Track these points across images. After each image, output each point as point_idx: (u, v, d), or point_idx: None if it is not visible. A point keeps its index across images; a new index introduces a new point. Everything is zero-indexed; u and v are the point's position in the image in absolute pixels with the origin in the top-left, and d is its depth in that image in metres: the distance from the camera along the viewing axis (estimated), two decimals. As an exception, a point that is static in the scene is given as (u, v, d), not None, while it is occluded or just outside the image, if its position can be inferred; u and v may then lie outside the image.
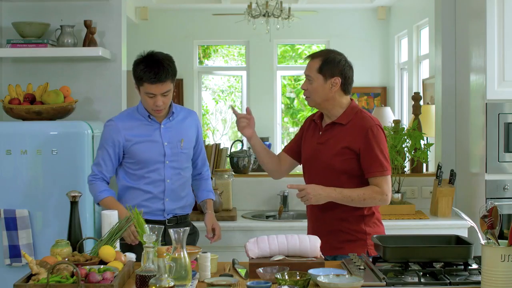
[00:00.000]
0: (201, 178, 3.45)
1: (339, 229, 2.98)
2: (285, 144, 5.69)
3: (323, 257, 2.68)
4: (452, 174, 4.06)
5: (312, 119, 3.17)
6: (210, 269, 2.54)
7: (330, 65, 2.98)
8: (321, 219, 3.02)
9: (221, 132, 10.97)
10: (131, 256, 2.70)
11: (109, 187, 3.26)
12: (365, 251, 2.93)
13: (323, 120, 3.09)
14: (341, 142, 2.97)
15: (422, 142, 4.18)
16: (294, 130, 10.46)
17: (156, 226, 2.54)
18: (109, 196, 3.19)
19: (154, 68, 3.06)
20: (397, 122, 4.31)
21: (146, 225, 2.62)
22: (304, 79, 3.06)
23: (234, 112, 3.15)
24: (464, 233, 3.80)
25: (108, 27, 4.15)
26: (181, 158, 3.26)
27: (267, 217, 4.26)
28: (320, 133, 3.06)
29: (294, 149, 3.21)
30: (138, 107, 3.26)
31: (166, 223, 3.21)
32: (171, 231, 2.36)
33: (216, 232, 3.33)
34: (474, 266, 2.56)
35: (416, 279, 2.44)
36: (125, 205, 3.19)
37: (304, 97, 3.08)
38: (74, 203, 2.75)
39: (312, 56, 3.04)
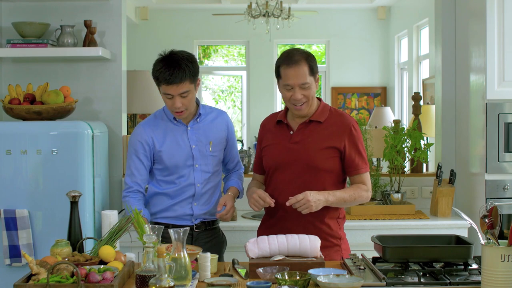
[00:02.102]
0: (231, 172, 3.32)
1: (318, 234, 2.84)
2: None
3: (323, 257, 2.68)
4: (452, 174, 4.06)
5: (274, 120, 3.03)
6: (210, 269, 2.54)
7: (315, 63, 2.88)
8: (299, 224, 2.89)
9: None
10: (131, 256, 2.71)
11: (143, 199, 3.15)
12: (340, 257, 2.92)
13: (291, 120, 2.97)
14: (322, 141, 2.90)
15: (422, 142, 4.18)
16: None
17: (156, 226, 2.54)
18: None
19: (170, 68, 2.95)
20: (397, 122, 4.31)
21: (146, 225, 2.62)
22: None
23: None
24: (464, 233, 3.80)
25: (108, 27, 4.15)
26: (211, 161, 3.13)
27: (267, 217, 4.26)
28: (292, 132, 2.95)
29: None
30: (164, 108, 3.15)
31: (194, 228, 3.12)
32: (171, 231, 2.36)
33: (226, 208, 3.05)
34: (474, 266, 2.57)
35: (416, 279, 2.44)
36: (153, 210, 3.14)
37: (299, 105, 2.87)
38: (74, 203, 2.75)
39: (294, 62, 2.83)
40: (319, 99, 3.01)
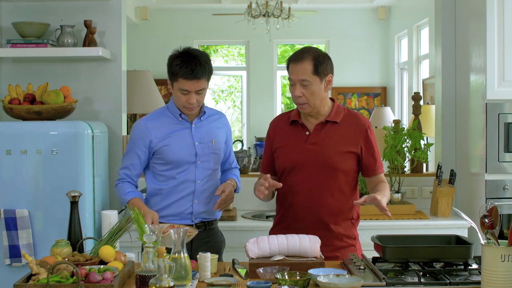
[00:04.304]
0: (226, 171, 3.32)
1: (334, 235, 2.90)
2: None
3: (323, 257, 2.68)
4: (452, 174, 4.06)
5: (286, 120, 3.01)
6: (210, 269, 2.54)
7: (323, 64, 2.86)
8: (316, 225, 2.88)
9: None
10: (131, 256, 2.71)
11: (136, 189, 3.17)
12: None
13: (306, 120, 2.96)
14: (340, 142, 2.92)
15: (422, 142, 4.18)
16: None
17: (156, 226, 2.54)
18: (135, 197, 3.07)
19: (190, 63, 2.95)
20: (397, 122, 4.31)
21: (146, 225, 2.62)
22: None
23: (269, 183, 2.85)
24: (464, 233, 3.80)
25: (108, 27, 4.15)
26: (213, 159, 3.14)
27: (267, 217, 4.26)
28: (308, 133, 2.94)
29: (273, 165, 3.04)
30: (168, 106, 3.15)
31: (194, 228, 3.09)
32: (171, 231, 2.36)
33: (225, 192, 3.05)
34: (474, 266, 2.57)
35: (416, 279, 2.44)
36: (153, 208, 3.13)
37: (299, 104, 2.89)
38: (74, 203, 2.75)
39: (299, 59, 2.87)
40: (332, 99, 3.01)
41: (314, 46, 10.41)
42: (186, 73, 2.95)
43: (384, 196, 2.82)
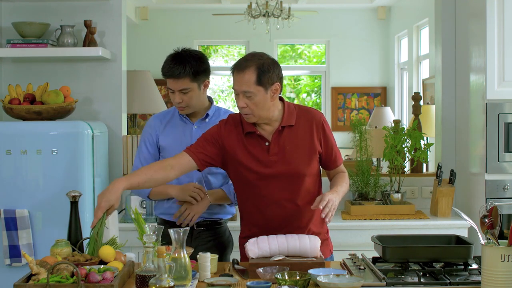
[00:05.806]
0: None
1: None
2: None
3: (323, 257, 2.68)
4: (452, 174, 4.05)
5: (238, 129, 2.81)
6: (210, 269, 2.54)
7: (268, 73, 2.67)
8: (292, 232, 2.76)
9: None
10: (131, 256, 2.70)
11: None
12: (329, 251, 2.91)
13: (261, 129, 2.80)
14: (302, 147, 2.79)
15: (422, 142, 4.18)
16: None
17: (156, 226, 2.54)
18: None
19: (173, 62, 3.00)
20: (397, 122, 4.31)
21: (146, 225, 2.62)
22: (239, 95, 2.70)
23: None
24: (464, 233, 3.80)
25: (108, 27, 4.15)
26: None
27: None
28: (267, 143, 2.78)
29: (202, 158, 2.80)
30: None
31: (195, 227, 3.10)
32: (171, 231, 2.36)
33: (180, 209, 3.06)
34: (474, 266, 2.57)
35: (416, 279, 2.44)
36: (156, 211, 3.17)
37: (244, 114, 2.73)
38: (74, 203, 2.75)
39: (241, 68, 2.69)
40: (281, 98, 2.85)
41: (314, 46, 10.29)
42: (166, 71, 3.02)
43: (337, 195, 2.72)
